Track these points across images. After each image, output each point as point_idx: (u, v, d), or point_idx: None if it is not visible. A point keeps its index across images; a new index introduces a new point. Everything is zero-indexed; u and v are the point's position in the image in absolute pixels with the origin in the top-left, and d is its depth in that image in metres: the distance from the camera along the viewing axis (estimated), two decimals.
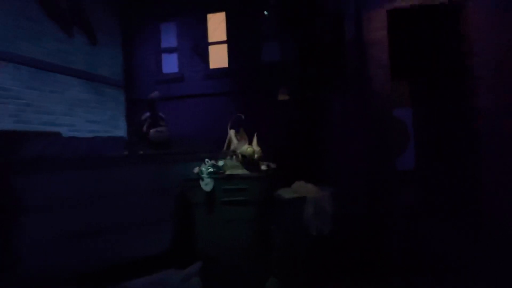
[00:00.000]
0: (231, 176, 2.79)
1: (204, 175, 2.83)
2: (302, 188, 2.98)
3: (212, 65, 4.96)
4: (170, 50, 5.24)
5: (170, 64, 5.22)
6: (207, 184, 2.78)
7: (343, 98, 3.17)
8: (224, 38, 4.79)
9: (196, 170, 2.95)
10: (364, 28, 3.06)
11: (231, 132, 3.06)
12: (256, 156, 2.79)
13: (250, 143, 2.95)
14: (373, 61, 3.08)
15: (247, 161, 2.80)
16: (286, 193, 2.92)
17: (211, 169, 2.88)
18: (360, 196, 3.05)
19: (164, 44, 5.25)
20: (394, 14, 3.04)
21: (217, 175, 2.84)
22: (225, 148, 3.14)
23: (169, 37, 5.20)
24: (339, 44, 3.14)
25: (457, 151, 3.21)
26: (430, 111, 3.39)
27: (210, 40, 4.92)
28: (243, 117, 3.24)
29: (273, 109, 3.54)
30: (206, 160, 3.01)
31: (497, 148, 2.93)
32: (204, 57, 5.00)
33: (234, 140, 2.98)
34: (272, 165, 2.97)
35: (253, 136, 3.02)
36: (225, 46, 4.84)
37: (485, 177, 2.96)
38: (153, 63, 5.27)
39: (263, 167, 2.86)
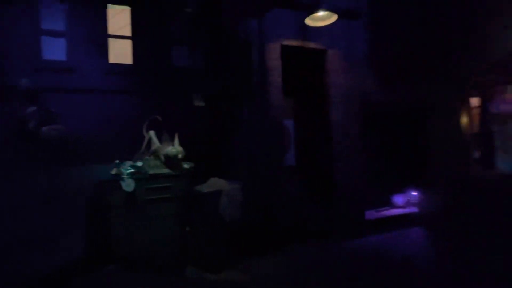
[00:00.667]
0: (156, 175, 2.89)
1: (125, 176, 2.80)
2: (217, 183, 3.42)
3: (113, 60, 4.58)
4: (55, 34, 4.43)
5: (55, 50, 4.41)
6: (128, 185, 2.77)
7: (249, 109, 3.83)
8: (129, 33, 4.54)
9: (114, 171, 2.86)
10: (266, 56, 3.83)
11: (152, 133, 3.13)
12: (180, 156, 3.01)
13: (171, 144, 3.12)
14: (271, 82, 3.89)
15: (171, 160, 2.98)
16: (204, 188, 3.28)
17: (131, 170, 2.87)
18: (260, 187, 3.79)
19: (47, 24, 4.38)
20: (286, 48, 3.97)
21: (139, 175, 2.86)
22: (143, 148, 3.16)
23: (54, 18, 4.38)
24: (247, 65, 3.78)
25: (320, 151, 4.51)
26: (305, 122, 4.59)
27: (113, 32, 4.54)
28: (160, 119, 3.34)
29: (189, 113, 3.77)
30: (117, 161, 2.95)
31: (343, 149, 4.38)
32: (103, 49, 4.56)
33: (156, 141, 3.07)
34: (192, 164, 3.26)
35: (173, 137, 3.20)
36: (129, 42, 4.59)
37: (336, 168, 4.34)
38: (28, 46, 4.31)
39: (185, 166, 3.10)
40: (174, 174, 2.98)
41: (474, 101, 6.74)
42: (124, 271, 2.62)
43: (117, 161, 3.02)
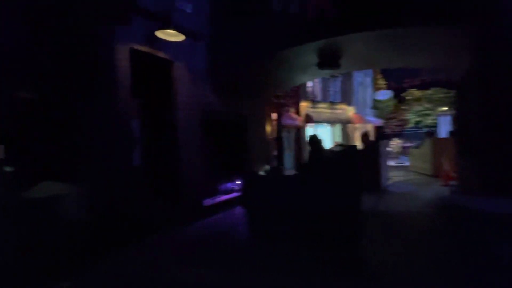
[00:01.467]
0: None
1: None
2: (51, 187, 3.00)
3: None
4: None
5: None
6: None
7: (93, 107, 3.53)
8: None
9: None
10: (114, 56, 3.70)
11: None
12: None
13: None
14: (119, 82, 3.80)
15: None
16: (36, 193, 2.79)
17: None
18: (108, 187, 3.63)
19: None
20: (136, 53, 4.02)
21: None
22: None
23: None
24: (93, 62, 3.48)
25: (166, 150, 4.88)
26: (153, 124, 4.78)
27: None
28: None
29: (11, 106, 2.92)
30: None
31: (186, 150, 4.98)
32: None
33: None
34: (13, 167, 2.69)
35: None
36: None
37: (180, 166, 4.88)
38: None
39: (7, 169, 2.54)
40: None
41: (274, 116, 9.55)
42: None
43: None
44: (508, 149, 3.26)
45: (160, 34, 4.10)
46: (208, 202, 5.60)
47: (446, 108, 17.72)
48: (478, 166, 3.88)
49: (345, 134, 15.42)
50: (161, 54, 4.45)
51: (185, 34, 4.32)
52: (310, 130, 12.82)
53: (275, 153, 9.34)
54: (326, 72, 6.33)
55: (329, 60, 4.91)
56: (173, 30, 4.09)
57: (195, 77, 5.22)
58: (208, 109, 5.70)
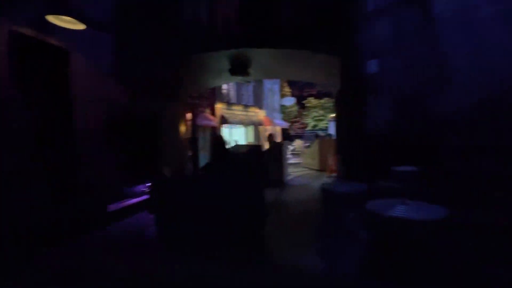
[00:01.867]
0: None
1: None
2: None
3: None
4: None
5: None
6: None
7: None
8: None
9: None
10: None
11: None
12: None
13: None
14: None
15: None
16: None
17: None
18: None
19: None
20: (20, 38, 3.35)
21: None
22: None
23: None
24: None
25: (63, 152, 4.24)
26: (46, 122, 4.05)
27: None
28: None
29: None
30: None
31: (87, 151, 4.47)
32: None
33: None
34: None
35: None
36: None
37: (80, 170, 4.34)
38: None
39: None
40: None
41: (188, 116, 9.46)
42: None
43: None
44: (357, 148, 4.52)
45: (52, 19, 3.56)
46: (115, 206, 5.16)
47: (334, 115, 21.57)
48: (343, 160, 5.13)
49: (257, 134, 16.69)
50: (54, 42, 3.85)
51: (85, 23, 3.89)
52: (225, 131, 13.30)
53: (190, 153, 9.29)
54: (238, 78, 6.83)
55: (239, 68, 5.37)
56: (69, 16, 3.63)
57: (99, 71, 4.72)
58: (115, 107, 5.24)
